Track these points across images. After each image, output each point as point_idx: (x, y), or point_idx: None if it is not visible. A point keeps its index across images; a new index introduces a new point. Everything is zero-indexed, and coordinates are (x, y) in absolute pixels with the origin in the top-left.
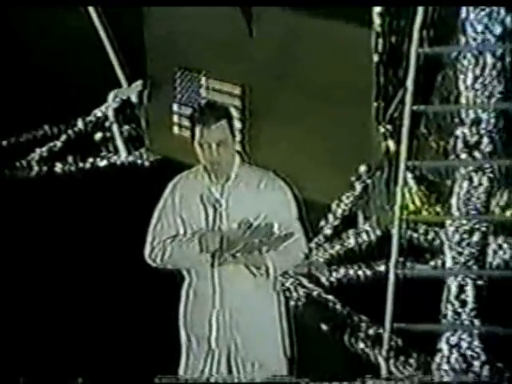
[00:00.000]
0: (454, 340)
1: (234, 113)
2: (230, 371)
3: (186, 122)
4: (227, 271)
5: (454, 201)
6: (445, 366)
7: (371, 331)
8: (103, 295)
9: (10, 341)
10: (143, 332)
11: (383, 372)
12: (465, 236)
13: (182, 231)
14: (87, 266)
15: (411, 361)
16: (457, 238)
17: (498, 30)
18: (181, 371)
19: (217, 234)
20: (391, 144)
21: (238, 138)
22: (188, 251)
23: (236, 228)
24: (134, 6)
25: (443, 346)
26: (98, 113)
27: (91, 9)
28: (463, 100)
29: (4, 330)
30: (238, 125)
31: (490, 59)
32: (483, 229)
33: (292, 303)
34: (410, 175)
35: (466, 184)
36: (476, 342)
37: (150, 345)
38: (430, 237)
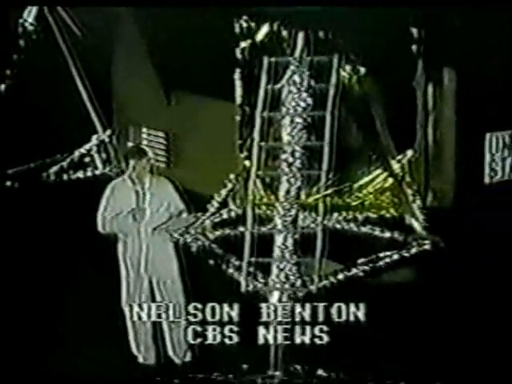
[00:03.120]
0: (281, 266)
1: (159, 147)
2: (151, 287)
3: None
4: (147, 233)
5: (281, 193)
6: (275, 279)
7: (237, 263)
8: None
9: None
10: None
11: (242, 287)
12: (286, 211)
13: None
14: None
15: (260, 279)
16: (282, 212)
17: (306, 102)
18: (123, 290)
19: (143, 212)
20: (247, 163)
21: (153, 162)
22: (126, 222)
23: (155, 209)
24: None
25: (274, 269)
26: (87, 146)
27: (78, 81)
28: (285, 140)
29: None
30: (161, 153)
31: (299, 120)
32: (296, 207)
33: (193, 249)
34: (258, 180)
35: (286, 184)
36: (293, 268)
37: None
38: (268, 212)
